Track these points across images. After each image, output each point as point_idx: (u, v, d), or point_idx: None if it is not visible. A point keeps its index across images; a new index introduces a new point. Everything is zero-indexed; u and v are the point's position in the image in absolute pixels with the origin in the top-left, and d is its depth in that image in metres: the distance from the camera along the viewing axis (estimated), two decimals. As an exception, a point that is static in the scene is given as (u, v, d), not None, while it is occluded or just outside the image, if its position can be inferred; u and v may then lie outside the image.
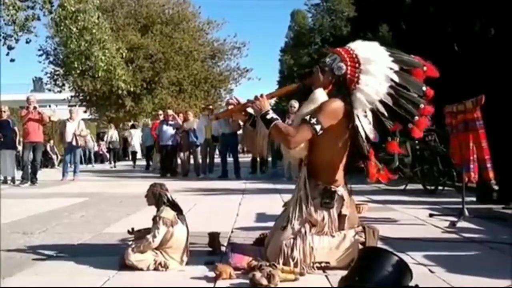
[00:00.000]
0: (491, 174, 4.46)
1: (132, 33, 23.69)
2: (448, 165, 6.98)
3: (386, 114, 2.81)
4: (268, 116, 2.85)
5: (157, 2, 25.40)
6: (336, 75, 2.85)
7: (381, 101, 2.81)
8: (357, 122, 2.80)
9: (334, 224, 2.83)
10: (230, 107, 3.43)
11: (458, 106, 4.72)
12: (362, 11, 14.41)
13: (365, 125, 2.81)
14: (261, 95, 2.95)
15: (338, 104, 2.78)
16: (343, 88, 2.85)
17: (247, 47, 26.99)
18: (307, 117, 2.75)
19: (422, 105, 2.86)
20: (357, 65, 2.84)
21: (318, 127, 2.72)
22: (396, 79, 2.83)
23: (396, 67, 2.85)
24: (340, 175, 2.92)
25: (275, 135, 2.83)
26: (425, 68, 2.91)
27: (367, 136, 2.82)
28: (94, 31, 13.99)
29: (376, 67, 2.83)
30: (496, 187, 5.00)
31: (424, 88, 2.89)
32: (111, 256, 3.04)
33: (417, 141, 7.63)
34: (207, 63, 26.82)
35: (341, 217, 2.86)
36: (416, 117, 2.84)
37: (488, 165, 4.44)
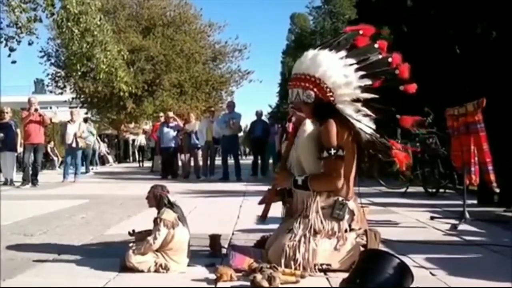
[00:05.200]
0: (492, 177, 4.46)
1: (134, 35, 23.68)
2: (449, 168, 6.98)
3: (375, 96, 2.84)
4: (299, 182, 2.85)
5: (159, 4, 25.41)
6: (311, 103, 2.87)
7: (362, 89, 2.83)
8: (358, 126, 2.80)
9: (342, 235, 2.80)
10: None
11: (460, 109, 4.72)
12: (364, 14, 14.39)
13: (367, 122, 2.83)
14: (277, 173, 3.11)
15: (333, 123, 2.79)
16: (326, 107, 2.85)
17: (248, 49, 26.96)
18: (324, 153, 2.76)
19: (390, 59, 2.88)
20: (317, 81, 2.83)
21: (341, 152, 2.75)
22: (352, 60, 2.84)
23: (342, 52, 2.86)
24: (351, 187, 2.91)
25: (318, 188, 2.82)
26: (360, 32, 2.94)
27: (375, 131, 2.85)
28: (96, 33, 13.97)
29: (329, 67, 2.83)
30: (497, 190, 5.00)
31: (376, 46, 2.91)
32: (112, 258, 3.04)
33: (418, 144, 7.64)
34: (208, 65, 26.81)
35: (351, 231, 2.85)
36: (397, 71, 2.86)
37: (489, 167, 4.44)
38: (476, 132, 4.46)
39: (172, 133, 12.15)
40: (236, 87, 27.94)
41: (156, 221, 2.88)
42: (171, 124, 12.28)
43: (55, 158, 18.96)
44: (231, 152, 11.91)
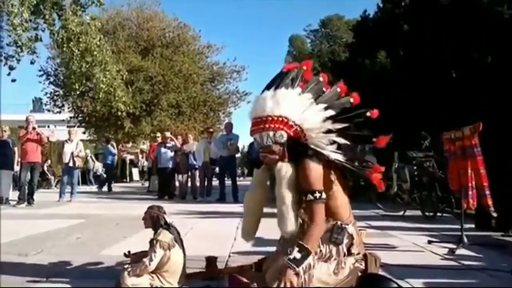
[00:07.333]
0: (490, 201, 4.46)
1: (133, 55, 23.89)
2: (447, 192, 6.97)
3: (342, 121, 2.84)
4: (298, 257, 2.62)
5: (158, 26, 25.71)
6: (285, 143, 2.81)
7: (331, 120, 2.82)
8: (334, 157, 2.78)
9: (341, 260, 2.76)
10: None
11: (456, 133, 4.75)
12: (360, 38, 14.60)
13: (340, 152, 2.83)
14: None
15: (310, 163, 2.73)
16: (298, 145, 2.80)
17: (246, 70, 27.27)
18: (307, 197, 2.70)
19: (338, 89, 2.93)
20: (285, 119, 2.79)
21: (323, 195, 2.70)
22: (309, 95, 2.88)
23: (297, 89, 2.89)
24: (347, 211, 2.87)
25: (314, 243, 2.69)
26: (304, 67, 3.00)
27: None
28: (95, 53, 14.11)
29: (292, 104, 2.82)
30: (494, 214, 4.99)
31: (320, 79, 2.98)
32: (107, 280, 3.01)
33: (415, 167, 7.66)
34: (206, 86, 26.99)
35: (350, 255, 2.81)
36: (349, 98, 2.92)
37: (487, 191, 4.44)
38: (473, 156, 4.48)
39: (170, 153, 12.16)
40: (234, 108, 28.15)
41: (152, 243, 2.86)
42: (168, 145, 12.29)
43: (52, 177, 18.91)
44: (228, 173, 11.90)
